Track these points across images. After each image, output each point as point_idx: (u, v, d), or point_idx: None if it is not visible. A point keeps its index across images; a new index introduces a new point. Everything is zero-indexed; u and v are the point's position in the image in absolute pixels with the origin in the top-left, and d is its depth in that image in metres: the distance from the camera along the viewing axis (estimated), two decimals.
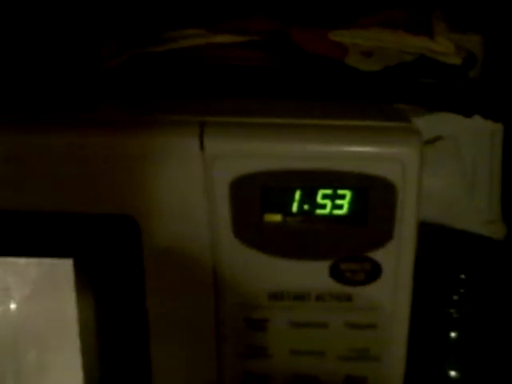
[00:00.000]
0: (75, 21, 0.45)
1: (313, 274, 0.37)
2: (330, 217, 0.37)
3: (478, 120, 0.50)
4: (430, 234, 0.50)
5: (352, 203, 0.36)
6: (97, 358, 0.39)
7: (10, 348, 0.41)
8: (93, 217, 0.37)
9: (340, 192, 0.36)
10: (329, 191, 0.36)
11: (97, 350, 0.39)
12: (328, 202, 0.37)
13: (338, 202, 0.36)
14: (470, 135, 0.53)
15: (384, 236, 0.37)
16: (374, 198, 0.36)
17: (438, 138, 0.54)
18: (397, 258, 0.37)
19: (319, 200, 0.37)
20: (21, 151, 0.36)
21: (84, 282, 0.38)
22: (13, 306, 0.40)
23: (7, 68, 0.44)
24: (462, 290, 0.49)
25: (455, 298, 0.49)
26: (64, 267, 0.38)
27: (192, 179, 0.36)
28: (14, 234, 0.38)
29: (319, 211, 0.37)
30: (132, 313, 0.39)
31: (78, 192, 0.37)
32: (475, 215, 0.54)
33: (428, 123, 0.48)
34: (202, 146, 0.36)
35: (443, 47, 0.41)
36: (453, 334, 0.49)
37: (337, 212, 0.37)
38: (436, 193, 0.52)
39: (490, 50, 0.49)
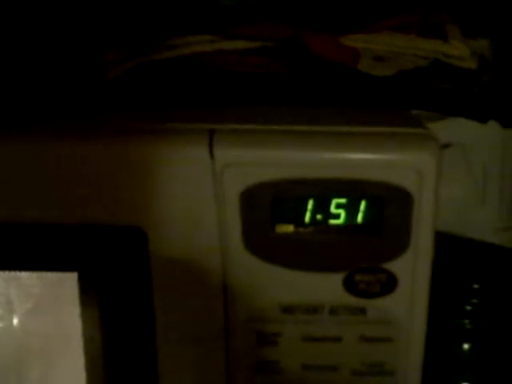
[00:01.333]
0: (78, 28, 0.44)
1: (326, 287, 0.36)
2: (344, 227, 0.36)
3: (487, 126, 0.49)
4: (441, 244, 0.49)
5: (367, 213, 0.35)
6: (102, 375, 0.38)
7: (12, 364, 0.40)
8: (98, 228, 0.36)
9: (354, 201, 0.35)
10: (343, 200, 0.35)
11: (102, 366, 0.38)
12: (342, 212, 0.35)
13: (353, 211, 0.35)
14: (479, 142, 0.52)
15: (400, 246, 0.36)
16: (390, 207, 0.35)
17: (445, 146, 0.53)
18: (413, 269, 0.36)
19: (333, 210, 0.35)
20: (22, 161, 0.35)
21: (89, 296, 0.37)
22: (16, 320, 0.39)
23: (9, 77, 0.43)
24: (475, 301, 0.48)
25: (468, 308, 0.48)
26: (68, 281, 0.37)
27: (201, 189, 0.35)
28: (16, 248, 0.36)
29: (333, 221, 0.36)
30: (139, 327, 0.38)
31: (82, 202, 0.35)
32: (486, 223, 0.53)
33: (436, 130, 0.47)
34: (211, 155, 0.35)
35: (459, 51, 0.40)
36: (466, 346, 0.48)
37: (351, 222, 0.35)
38: (445, 201, 0.51)
39: (498, 55, 0.49)
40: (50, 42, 0.44)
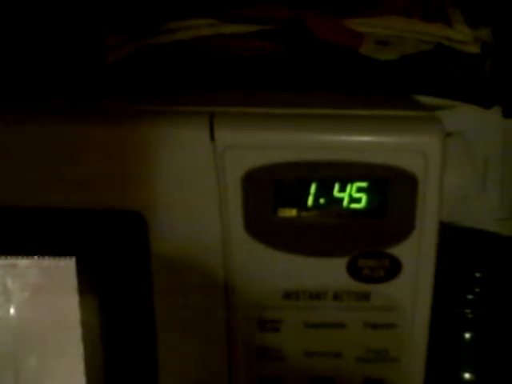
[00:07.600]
0: (77, 12, 0.44)
1: (329, 272, 0.36)
2: (347, 211, 0.35)
3: (488, 116, 0.49)
4: (442, 233, 0.49)
5: (370, 196, 0.35)
6: (101, 363, 0.37)
7: (9, 354, 0.39)
8: (97, 213, 0.35)
9: (358, 184, 0.35)
10: (346, 184, 0.35)
11: (101, 355, 0.37)
12: (345, 196, 0.35)
13: (356, 195, 0.35)
14: (480, 132, 0.52)
15: (404, 231, 0.35)
16: (394, 190, 0.34)
17: (446, 135, 0.52)
18: (417, 253, 0.36)
19: (336, 193, 0.35)
20: (19, 144, 0.34)
21: (87, 282, 0.36)
22: (13, 310, 0.39)
23: (9, 61, 0.42)
24: (477, 290, 0.48)
25: (470, 297, 0.48)
26: (66, 267, 0.36)
27: (202, 172, 0.34)
28: (12, 232, 0.36)
29: (336, 205, 0.35)
30: (138, 315, 0.37)
31: (80, 186, 0.35)
32: (487, 213, 0.53)
33: None
34: (212, 137, 0.34)
35: (462, 35, 0.40)
36: (467, 335, 0.48)
37: (354, 206, 0.35)
38: (446, 190, 0.51)
39: (499, 45, 0.48)
40: (49, 27, 0.43)
